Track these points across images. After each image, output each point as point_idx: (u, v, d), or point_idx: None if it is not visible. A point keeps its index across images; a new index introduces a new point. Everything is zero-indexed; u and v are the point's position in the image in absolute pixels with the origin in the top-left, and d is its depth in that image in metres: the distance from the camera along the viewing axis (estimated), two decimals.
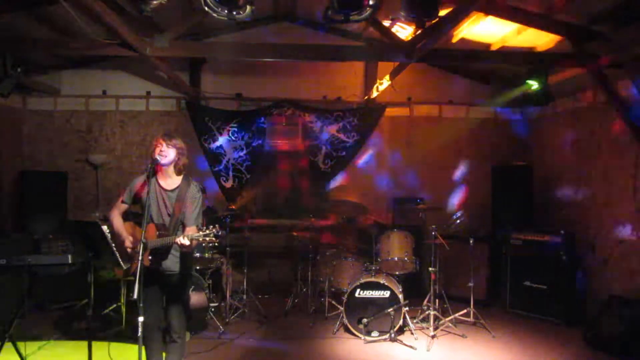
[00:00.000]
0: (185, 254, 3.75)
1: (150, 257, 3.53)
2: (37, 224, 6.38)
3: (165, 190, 3.72)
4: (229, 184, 7.68)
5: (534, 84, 5.61)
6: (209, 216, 6.12)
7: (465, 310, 5.81)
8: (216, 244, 3.74)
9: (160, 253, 3.65)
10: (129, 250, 3.67)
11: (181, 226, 3.75)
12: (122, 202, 3.76)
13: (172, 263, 3.71)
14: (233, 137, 7.67)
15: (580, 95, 6.55)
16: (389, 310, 5.23)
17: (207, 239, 3.51)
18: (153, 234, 3.58)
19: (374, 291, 5.35)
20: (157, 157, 3.59)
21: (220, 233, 3.54)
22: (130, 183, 3.77)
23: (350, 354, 4.95)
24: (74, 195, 7.47)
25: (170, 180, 3.75)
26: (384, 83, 6.83)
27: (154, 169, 3.62)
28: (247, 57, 6.17)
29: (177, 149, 3.69)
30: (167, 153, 3.63)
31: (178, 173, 3.77)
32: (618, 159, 5.85)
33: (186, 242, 3.48)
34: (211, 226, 3.54)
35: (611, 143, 5.99)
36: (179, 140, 3.73)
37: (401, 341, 5.22)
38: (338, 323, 5.58)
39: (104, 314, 5.64)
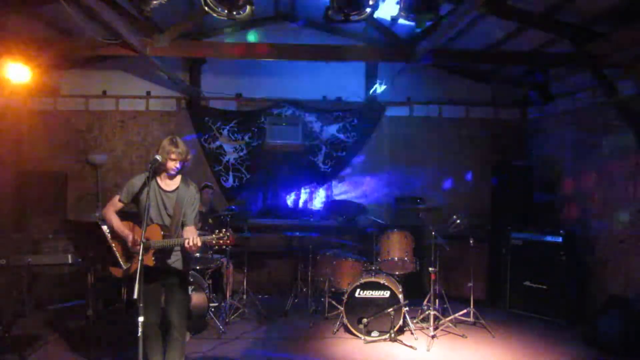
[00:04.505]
0: (186, 252, 3.74)
1: (153, 257, 3.55)
2: (37, 224, 6.38)
3: (165, 191, 3.73)
4: (229, 184, 7.68)
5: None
6: (208, 216, 6.13)
7: (465, 310, 5.81)
8: (229, 247, 3.76)
9: (165, 252, 3.67)
10: (136, 247, 3.67)
11: (180, 226, 3.76)
12: (119, 200, 3.75)
13: (175, 261, 3.75)
14: (233, 137, 7.67)
15: (580, 95, 6.55)
16: (389, 310, 5.23)
17: (221, 241, 3.55)
18: (158, 235, 3.59)
19: (374, 291, 5.35)
20: (171, 171, 3.65)
21: (236, 236, 3.59)
22: (128, 182, 3.76)
23: (350, 354, 4.94)
24: (74, 195, 7.47)
25: (170, 182, 3.77)
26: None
27: (155, 170, 3.62)
28: (247, 57, 6.17)
29: (186, 161, 3.73)
30: (179, 167, 3.69)
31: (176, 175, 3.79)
32: (618, 159, 5.85)
33: (198, 243, 3.49)
34: (224, 230, 3.58)
35: (611, 143, 5.98)
36: (185, 148, 3.72)
37: (401, 341, 5.22)
38: (338, 323, 5.58)
39: (104, 314, 5.64)
